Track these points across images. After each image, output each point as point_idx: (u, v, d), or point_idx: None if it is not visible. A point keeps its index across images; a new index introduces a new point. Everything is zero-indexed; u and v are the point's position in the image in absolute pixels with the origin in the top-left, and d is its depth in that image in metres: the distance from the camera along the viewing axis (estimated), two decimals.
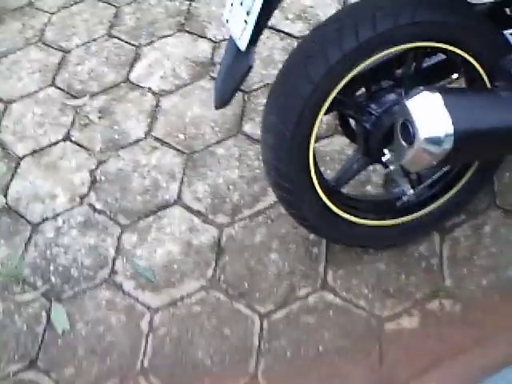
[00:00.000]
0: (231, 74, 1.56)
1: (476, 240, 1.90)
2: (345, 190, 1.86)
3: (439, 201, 1.85)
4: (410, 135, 1.43)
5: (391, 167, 1.67)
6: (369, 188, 2.03)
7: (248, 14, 1.45)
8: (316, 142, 1.64)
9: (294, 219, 1.80)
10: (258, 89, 2.36)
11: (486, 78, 1.61)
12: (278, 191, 1.71)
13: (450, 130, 1.41)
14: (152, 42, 2.64)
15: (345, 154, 2.10)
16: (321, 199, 1.71)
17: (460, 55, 1.56)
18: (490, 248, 1.88)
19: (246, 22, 1.46)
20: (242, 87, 2.29)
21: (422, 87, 1.47)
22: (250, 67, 1.52)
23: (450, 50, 1.55)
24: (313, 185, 1.67)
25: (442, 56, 1.69)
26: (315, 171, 1.66)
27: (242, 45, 1.48)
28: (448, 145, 1.42)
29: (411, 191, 1.73)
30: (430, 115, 1.42)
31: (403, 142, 1.47)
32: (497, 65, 1.57)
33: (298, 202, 1.70)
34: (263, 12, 1.44)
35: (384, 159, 1.66)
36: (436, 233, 1.92)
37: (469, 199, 1.89)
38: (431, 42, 1.53)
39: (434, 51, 1.66)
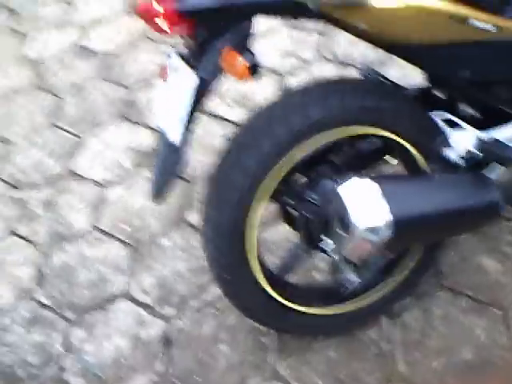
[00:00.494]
0: (166, 166, 1.56)
1: (426, 323, 1.91)
2: (291, 278, 1.85)
3: (386, 285, 1.86)
4: (346, 224, 1.46)
5: (333, 255, 1.68)
6: (316, 275, 2.03)
7: (178, 114, 1.47)
8: (261, 229, 1.64)
9: (239, 311, 1.79)
10: (199, 176, 2.36)
11: (421, 161, 1.64)
12: (221, 283, 1.70)
13: (389, 218, 1.43)
14: (94, 131, 2.65)
15: (291, 241, 2.11)
16: (265, 290, 1.71)
17: (393, 139, 1.60)
18: (441, 330, 1.89)
19: (176, 120, 1.48)
20: (185, 176, 2.31)
21: (354, 175, 1.49)
22: (184, 160, 1.53)
23: (382, 135, 1.59)
24: (255, 276, 1.67)
25: (377, 141, 1.73)
26: (258, 261, 1.66)
27: (175, 140, 1.50)
28: (387, 233, 1.44)
29: (356, 278, 1.74)
30: (366, 204, 1.44)
31: (340, 231, 1.49)
32: (429, 147, 1.61)
33: (241, 293, 1.70)
34: (193, 110, 1.46)
35: (325, 248, 1.67)
36: (385, 317, 1.93)
37: (415, 281, 1.91)
38: (362, 126, 1.55)
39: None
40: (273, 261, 1.91)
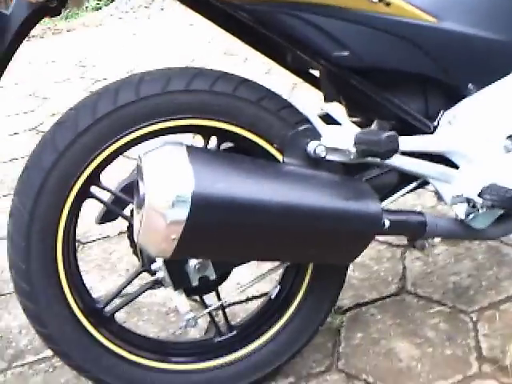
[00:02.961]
0: None
1: None
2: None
3: (251, 346, 1.45)
4: (140, 197, 1.12)
5: (158, 274, 1.31)
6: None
7: None
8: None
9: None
10: None
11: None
12: (20, 297, 1.33)
13: (188, 191, 1.08)
14: None
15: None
16: (82, 325, 1.34)
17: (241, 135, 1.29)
18: None
19: None
20: None
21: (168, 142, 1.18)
22: None
23: (228, 130, 1.29)
24: (66, 297, 1.31)
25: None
26: (71, 277, 1.31)
27: None
28: (182, 212, 1.08)
29: (190, 314, 1.34)
30: (167, 170, 1.11)
31: (137, 210, 1.15)
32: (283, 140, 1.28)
33: (47, 317, 1.32)
34: None
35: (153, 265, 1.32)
36: None
37: (296, 346, 1.47)
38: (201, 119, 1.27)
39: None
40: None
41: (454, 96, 1.36)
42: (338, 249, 1.25)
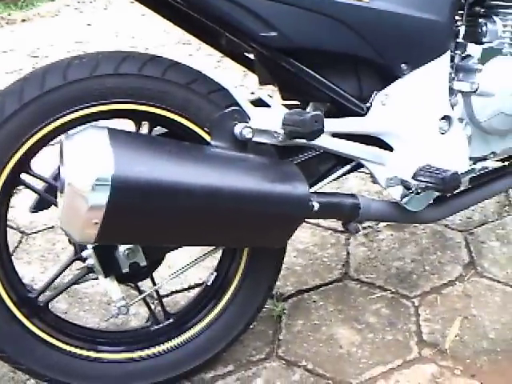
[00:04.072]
0: None
1: None
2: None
3: (188, 333, 1.42)
4: (61, 180, 1.09)
5: (88, 261, 1.28)
6: None
7: None
8: None
9: None
10: None
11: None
12: None
13: (108, 173, 1.05)
14: None
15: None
16: (14, 315, 1.29)
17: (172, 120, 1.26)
18: None
19: None
20: None
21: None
22: None
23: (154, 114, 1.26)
24: None
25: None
26: (1, 266, 1.28)
27: None
28: (102, 196, 1.05)
29: (122, 302, 1.31)
30: (87, 153, 1.07)
31: (60, 195, 1.11)
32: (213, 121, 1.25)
33: None
34: None
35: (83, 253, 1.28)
36: None
37: (234, 332, 1.45)
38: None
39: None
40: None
41: (387, 77, 1.34)
42: (266, 232, 1.22)
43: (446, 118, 1.37)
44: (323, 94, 1.32)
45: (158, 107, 1.25)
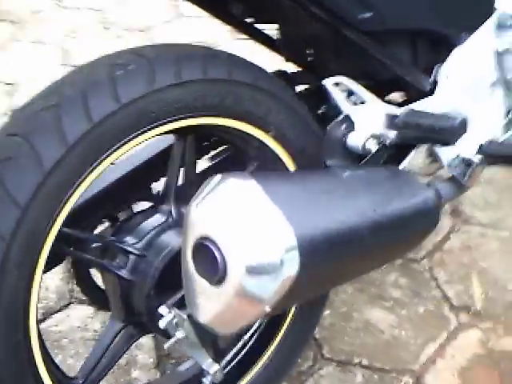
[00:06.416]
0: None
1: None
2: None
3: (254, 369, 1.21)
4: (215, 267, 0.80)
5: (178, 335, 1.00)
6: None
7: None
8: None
9: None
10: None
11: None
12: None
13: (292, 241, 0.80)
14: None
15: (91, 330, 1.40)
16: None
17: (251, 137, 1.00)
18: None
19: None
20: None
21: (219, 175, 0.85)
22: None
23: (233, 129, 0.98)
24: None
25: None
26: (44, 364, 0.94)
27: None
28: (292, 267, 0.80)
29: (215, 367, 1.06)
30: (250, 223, 0.80)
31: (203, 283, 0.82)
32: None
33: None
34: None
35: (163, 325, 0.99)
36: None
37: (291, 360, 1.27)
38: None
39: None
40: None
41: (444, 48, 1.20)
42: (406, 247, 1.10)
43: (493, 83, 1.28)
44: (391, 73, 1.14)
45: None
